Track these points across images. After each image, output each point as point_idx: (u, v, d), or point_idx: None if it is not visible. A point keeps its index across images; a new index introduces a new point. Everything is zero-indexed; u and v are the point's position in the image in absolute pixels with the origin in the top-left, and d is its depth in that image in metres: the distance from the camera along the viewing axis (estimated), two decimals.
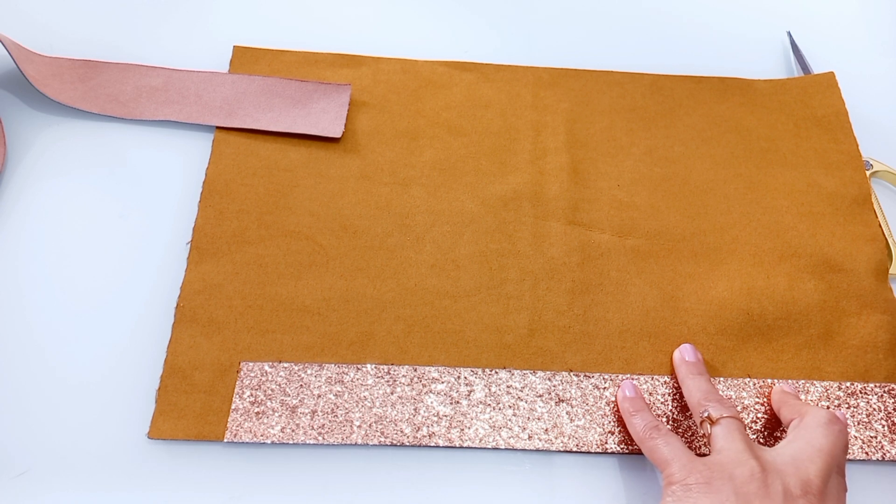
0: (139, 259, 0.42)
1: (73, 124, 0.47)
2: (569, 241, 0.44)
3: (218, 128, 0.47)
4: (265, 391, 0.38)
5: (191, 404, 0.37)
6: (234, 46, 0.51)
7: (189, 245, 0.42)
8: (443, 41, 0.53)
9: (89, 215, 0.44)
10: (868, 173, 0.48)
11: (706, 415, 0.35)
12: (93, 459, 0.36)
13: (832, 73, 0.52)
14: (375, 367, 0.39)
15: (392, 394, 0.38)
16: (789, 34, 0.55)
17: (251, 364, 0.39)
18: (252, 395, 0.38)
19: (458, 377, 0.39)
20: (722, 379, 0.40)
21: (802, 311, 0.42)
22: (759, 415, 0.39)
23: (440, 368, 0.39)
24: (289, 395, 0.38)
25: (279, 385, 0.38)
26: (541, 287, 0.42)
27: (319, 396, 0.38)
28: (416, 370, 0.39)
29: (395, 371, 0.39)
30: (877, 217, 0.46)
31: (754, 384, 0.40)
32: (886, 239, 0.45)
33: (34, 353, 0.39)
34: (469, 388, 0.39)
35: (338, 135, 0.47)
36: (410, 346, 0.40)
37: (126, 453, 0.36)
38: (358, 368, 0.39)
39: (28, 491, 0.35)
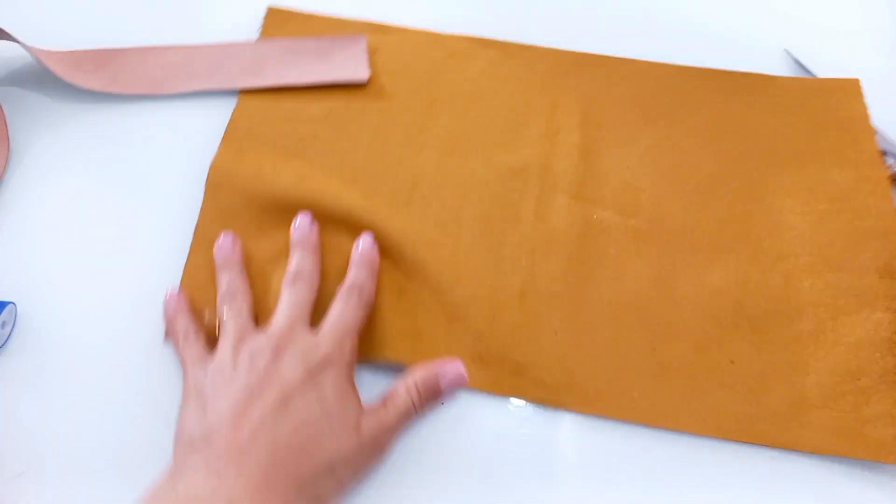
0: (139, 259, 0.42)
1: (73, 124, 0.47)
2: (571, 213, 0.44)
3: (227, 134, 0.46)
4: None
5: None
6: (268, 7, 0.52)
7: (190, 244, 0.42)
8: (467, 19, 0.53)
9: (89, 214, 0.44)
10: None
11: None
12: (93, 459, 0.36)
13: (857, 79, 0.51)
14: None
15: None
16: (787, 52, 0.54)
17: None
18: None
19: None
20: None
21: (796, 308, 0.42)
22: None
23: None
24: None
25: None
26: (538, 253, 0.43)
27: None
28: None
29: None
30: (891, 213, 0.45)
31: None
32: None
33: (33, 353, 0.39)
34: None
35: (364, 78, 0.47)
36: (407, 289, 0.41)
37: (126, 453, 0.37)
38: None
39: (28, 491, 0.35)
